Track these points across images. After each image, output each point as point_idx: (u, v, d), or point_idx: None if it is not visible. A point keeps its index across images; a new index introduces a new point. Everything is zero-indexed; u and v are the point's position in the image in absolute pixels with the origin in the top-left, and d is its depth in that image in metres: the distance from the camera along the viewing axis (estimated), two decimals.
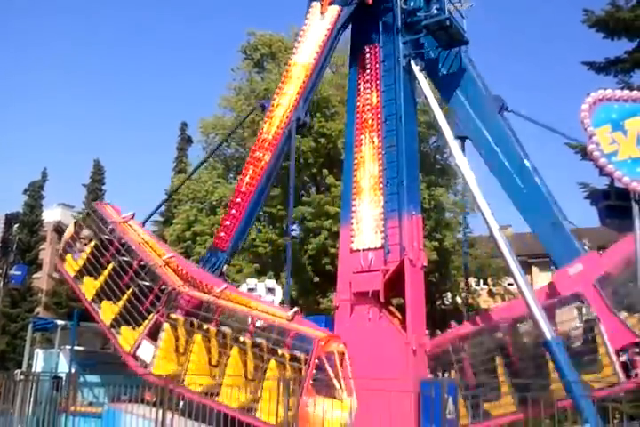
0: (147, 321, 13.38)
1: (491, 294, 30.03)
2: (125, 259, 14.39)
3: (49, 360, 15.41)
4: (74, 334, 15.00)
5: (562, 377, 11.26)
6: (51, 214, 47.70)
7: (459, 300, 29.84)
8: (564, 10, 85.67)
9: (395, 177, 14.06)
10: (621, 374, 11.50)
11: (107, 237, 14.99)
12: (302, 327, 12.04)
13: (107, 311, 14.13)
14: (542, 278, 43.19)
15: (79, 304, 17.05)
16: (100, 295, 14.36)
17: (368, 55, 15.38)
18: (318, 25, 15.54)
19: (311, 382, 11.11)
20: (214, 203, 27.01)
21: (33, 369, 15.53)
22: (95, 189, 42.03)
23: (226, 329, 12.45)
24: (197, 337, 12.64)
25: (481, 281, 34.00)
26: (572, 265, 12.75)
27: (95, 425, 13.21)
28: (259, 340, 11.99)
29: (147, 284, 13.82)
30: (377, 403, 10.74)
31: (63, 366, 14.73)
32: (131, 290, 13.91)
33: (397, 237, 13.52)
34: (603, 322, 11.79)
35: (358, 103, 15.20)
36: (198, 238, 26.29)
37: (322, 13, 15.59)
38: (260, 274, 23.46)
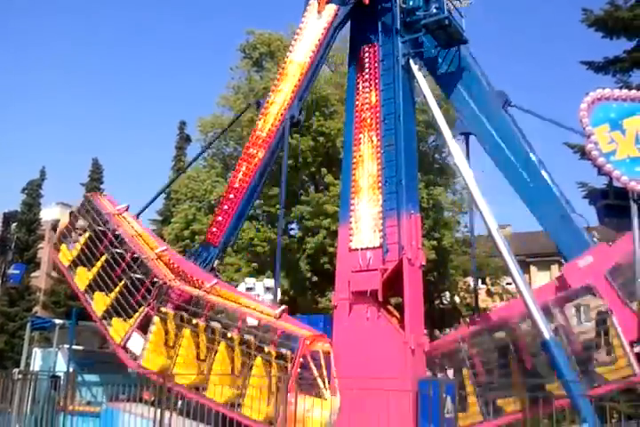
0: (137, 314, 13.47)
1: (489, 293, 30.02)
2: (118, 251, 14.46)
3: (47, 359, 15.39)
4: (72, 333, 14.98)
5: (560, 377, 11.28)
6: (49, 213, 47.62)
7: (457, 299, 29.87)
8: (563, 9, 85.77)
9: (393, 176, 14.05)
10: (636, 366, 11.45)
11: (101, 228, 15.04)
12: (289, 325, 12.12)
13: (99, 302, 14.24)
14: (540, 278, 43.36)
15: (77, 303, 17.07)
16: (93, 286, 14.48)
17: (367, 54, 15.36)
18: (315, 23, 15.54)
19: (296, 380, 11.18)
20: (213, 202, 26.96)
21: (31, 368, 15.49)
22: (94, 187, 41.86)
23: (215, 325, 12.53)
24: (186, 331, 12.74)
25: (479, 280, 34.03)
26: (581, 257, 12.66)
27: (93, 424, 13.19)
28: (247, 336, 12.07)
29: (138, 276, 13.90)
30: (375, 402, 10.76)
31: (61, 366, 14.71)
32: (123, 282, 14.00)
33: (396, 237, 13.51)
34: (615, 314, 11.71)
35: (357, 102, 15.18)
36: (197, 237, 26.24)
37: (319, 12, 15.57)
38: (258, 273, 23.44)
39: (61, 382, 13.36)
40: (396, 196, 13.89)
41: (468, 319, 13.87)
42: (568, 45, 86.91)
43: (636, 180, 11.60)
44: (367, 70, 15.24)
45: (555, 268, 45.81)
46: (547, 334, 11.49)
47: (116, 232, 14.71)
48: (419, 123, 22.08)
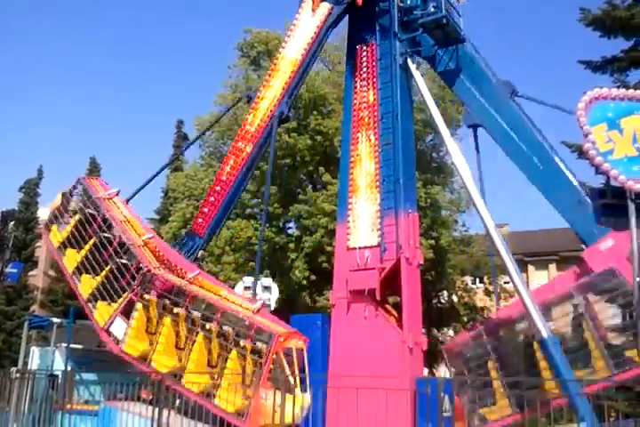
0: (121, 299, 13.59)
1: (487, 292, 30.07)
2: (106, 235, 14.57)
3: (45, 358, 15.38)
4: (70, 331, 14.94)
5: (557, 376, 11.30)
6: (46, 212, 47.41)
7: (455, 298, 29.92)
8: (561, 9, 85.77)
9: (391, 175, 14.05)
10: None
11: (91, 211, 15.15)
12: (265, 321, 12.18)
13: (85, 285, 14.35)
14: (538, 277, 43.46)
15: (75, 302, 17.05)
16: (81, 269, 14.57)
17: (364, 53, 15.35)
18: (308, 21, 15.53)
19: (269, 375, 11.31)
20: None
21: (29, 367, 15.48)
22: None
23: (195, 315, 12.62)
24: (167, 320, 12.84)
25: (477, 280, 34.12)
26: (602, 241, 12.54)
27: (91, 423, 13.18)
28: (225, 328, 12.19)
29: (124, 262, 14.01)
30: (373, 401, 10.76)
31: (59, 364, 14.71)
32: (109, 267, 14.09)
33: (394, 236, 13.52)
34: None
35: (355, 101, 15.17)
36: None
37: (313, 10, 15.56)
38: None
39: (59, 380, 13.31)
40: (393, 195, 13.89)
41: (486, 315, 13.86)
42: (566, 45, 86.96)
43: (633, 179, 11.60)
44: (365, 69, 15.23)
45: (552, 267, 45.91)
46: (544, 333, 11.51)
47: (105, 216, 14.81)
48: (416, 122, 22.09)
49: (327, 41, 26.76)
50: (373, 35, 15.36)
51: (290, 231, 27.15)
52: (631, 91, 12.67)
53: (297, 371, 11.53)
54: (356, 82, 15.34)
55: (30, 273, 41.64)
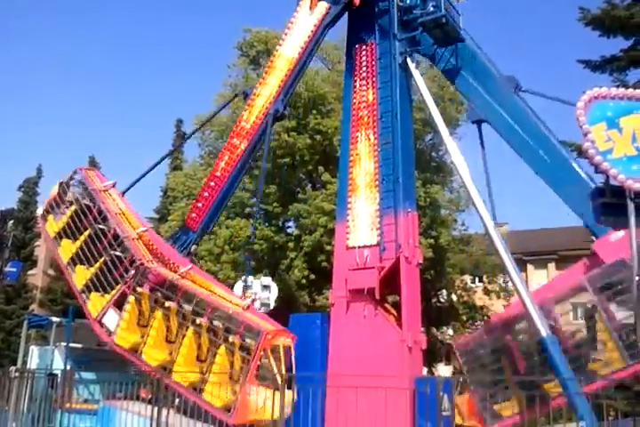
0: (114, 291, 13.67)
1: (486, 291, 30.07)
2: (101, 227, 14.64)
3: (44, 357, 15.38)
4: (69, 330, 14.95)
5: (557, 375, 11.30)
6: None
7: (454, 297, 29.92)
8: (560, 8, 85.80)
9: (390, 174, 14.05)
10: None
11: (87, 202, 15.22)
12: (255, 318, 12.26)
13: (80, 276, 14.42)
14: (537, 276, 43.52)
15: (74, 301, 17.04)
16: (75, 259, 14.65)
17: (364, 52, 15.34)
18: (306, 20, 15.52)
19: (256, 372, 11.45)
20: None
21: (28, 366, 15.48)
22: None
23: (186, 309, 12.67)
24: (158, 313, 12.91)
25: (476, 279, 34.13)
26: (612, 232, 12.45)
27: (91, 422, 13.21)
28: (215, 323, 12.26)
29: (118, 254, 14.07)
30: (372, 400, 10.76)
31: (58, 363, 14.72)
32: (103, 259, 14.15)
33: (393, 235, 13.52)
34: None
35: (354, 100, 15.17)
36: None
37: (310, 9, 15.55)
38: (255, 271, 23.44)
39: (58, 380, 13.32)
40: (393, 194, 13.89)
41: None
42: (565, 44, 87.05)
43: (632, 178, 11.60)
44: (364, 68, 15.22)
45: (551, 266, 45.97)
46: (543, 333, 11.50)
47: (101, 208, 14.87)
48: (416, 121, 22.07)
49: (327, 40, 26.84)
50: (373, 34, 15.35)
51: (289, 230, 27.13)
52: (630, 90, 12.67)
53: (283, 368, 11.61)
54: (355, 81, 15.34)
55: (29, 272, 41.64)
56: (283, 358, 11.72)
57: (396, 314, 13.49)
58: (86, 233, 14.67)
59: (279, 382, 11.25)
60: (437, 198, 26.21)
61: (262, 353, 11.53)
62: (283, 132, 25.50)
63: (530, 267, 46.27)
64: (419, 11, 14.79)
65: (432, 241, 24.90)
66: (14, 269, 35.45)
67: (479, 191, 13.45)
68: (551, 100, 14.34)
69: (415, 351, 13.01)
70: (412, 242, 13.83)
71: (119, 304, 13.48)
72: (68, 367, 13.96)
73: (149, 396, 12.24)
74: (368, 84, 15.04)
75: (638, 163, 11.72)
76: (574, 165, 13.47)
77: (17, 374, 14.61)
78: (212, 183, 15.29)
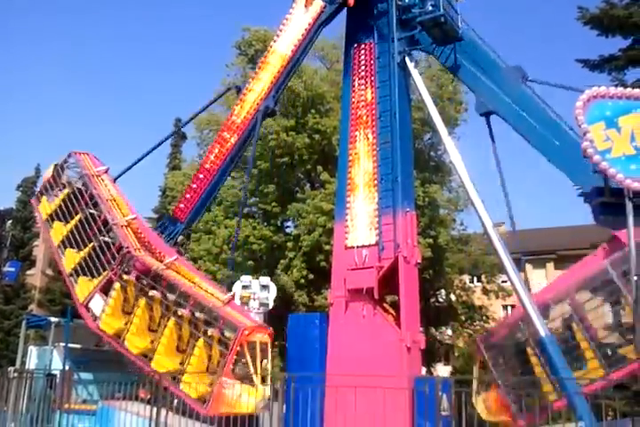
0: (101, 276, 13.81)
1: (485, 291, 30.05)
2: (92, 212, 14.79)
3: (43, 357, 15.37)
4: (67, 331, 14.95)
5: (555, 374, 11.28)
6: None
7: (452, 297, 29.89)
8: (559, 8, 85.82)
9: (389, 174, 14.03)
10: None
11: (79, 187, 15.34)
12: (233, 313, 12.39)
13: (69, 259, 14.60)
14: (536, 275, 43.42)
15: (73, 302, 17.02)
16: (66, 242, 14.82)
17: (363, 51, 15.32)
18: (301, 17, 15.53)
19: (232, 366, 11.64)
20: None
21: (27, 366, 15.48)
22: None
23: (170, 299, 12.78)
24: (142, 302, 13.08)
25: (475, 278, 34.08)
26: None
27: (89, 423, 13.20)
28: (197, 315, 12.39)
29: (107, 240, 14.25)
30: (371, 400, 10.75)
31: (57, 364, 14.70)
32: (92, 244, 14.30)
33: (392, 234, 13.49)
34: None
35: (353, 100, 15.15)
36: (192, 235, 26.24)
37: (306, 6, 15.55)
38: (254, 271, 23.43)
39: (57, 380, 13.33)
40: (391, 193, 13.87)
41: None
42: (564, 44, 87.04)
43: (631, 177, 11.56)
44: (363, 68, 15.21)
45: (550, 265, 45.95)
46: (542, 332, 11.49)
47: (92, 193, 14.95)
48: (414, 120, 22.05)
49: (325, 39, 26.87)
50: (371, 33, 15.32)
51: (288, 230, 27.14)
52: (629, 89, 12.63)
53: (259, 364, 11.71)
54: (354, 80, 15.32)
55: (28, 272, 41.61)
56: (259, 354, 11.84)
57: (394, 314, 13.47)
58: (77, 217, 14.86)
59: (254, 377, 11.42)
60: (436, 198, 26.18)
61: (239, 348, 11.68)
62: (281, 131, 25.48)
63: (528, 266, 46.16)
64: (417, 10, 14.76)
65: (431, 241, 24.88)
66: (13, 269, 35.46)
67: (477, 191, 13.45)
68: (558, 91, 14.23)
69: (414, 351, 12.99)
70: (411, 241, 13.83)
71: (106, 290, 13.61)
72: (67, 368, 13.95)
73: (148, 396, 12.25)
74: (367, 83, 15.02)
75: (637, 162, 11.68)
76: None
77: (16, 374, 14.63)
78: (201, 175, 15.49)
